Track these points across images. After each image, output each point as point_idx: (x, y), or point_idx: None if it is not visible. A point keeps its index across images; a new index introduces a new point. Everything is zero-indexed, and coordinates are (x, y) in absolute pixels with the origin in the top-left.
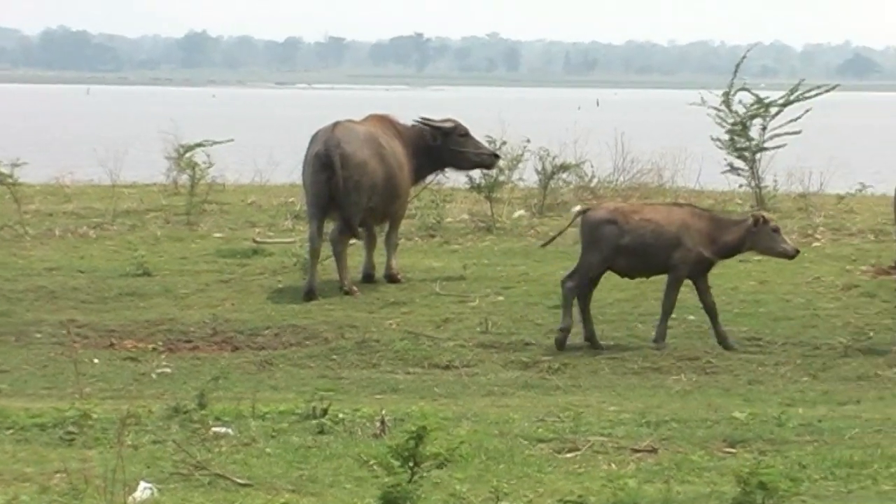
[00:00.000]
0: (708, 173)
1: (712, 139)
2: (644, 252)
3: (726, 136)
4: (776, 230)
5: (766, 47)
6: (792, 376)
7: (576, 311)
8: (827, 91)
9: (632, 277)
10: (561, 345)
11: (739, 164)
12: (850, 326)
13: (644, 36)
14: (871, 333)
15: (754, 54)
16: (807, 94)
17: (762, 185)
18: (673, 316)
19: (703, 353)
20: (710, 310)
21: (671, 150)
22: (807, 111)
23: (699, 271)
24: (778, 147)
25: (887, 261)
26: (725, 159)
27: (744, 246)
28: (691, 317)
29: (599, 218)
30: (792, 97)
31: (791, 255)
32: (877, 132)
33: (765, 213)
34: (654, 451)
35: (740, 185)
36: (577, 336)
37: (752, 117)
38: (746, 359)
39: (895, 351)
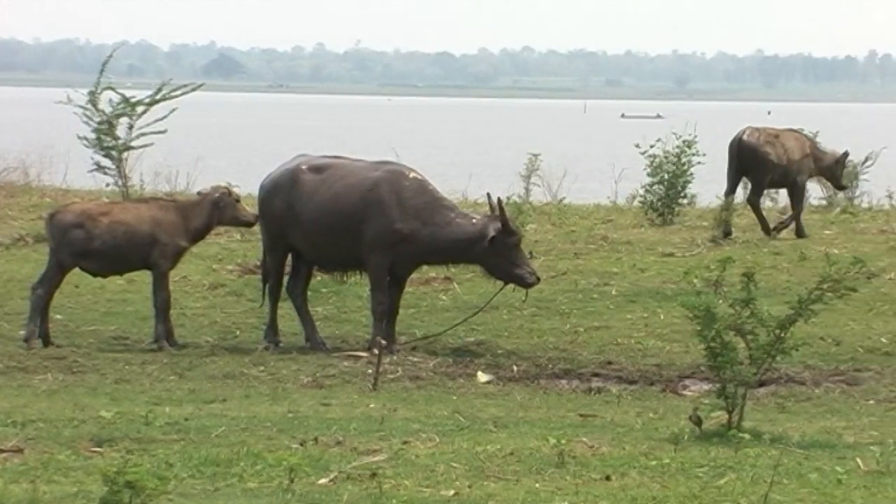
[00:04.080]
0: (76, 172)
1: (79, 138)
2: (117, 254)
3: (93, 135)
4: (238, 200)
5: (133, 46)
6: (159, 375)
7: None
8: (192, 90)
9: (104, 276)
10: (30, 344)
11: (107, 163)
12: (217, 325)
13: (9, 33)
14: (238, 332)
15: (121, 53)
16: (172, 94)
17: (129, 183)
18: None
19: (71, 353)
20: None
21: (37, 149)
22: (173, 110)
23: (177, 262)
24: (145, 146)
25: (253, 259)
26: (93, 158)
27: (213, 223)
28: (59, 316)
29: (67, 222)
30: (158, 96)
31: (252, 222)
32: (242, 131)
33: (225, 186)
34: (20, 451)
35: (107, 185)
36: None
37: (119, 116)
38: (114, 358)
39: (261, 349)
